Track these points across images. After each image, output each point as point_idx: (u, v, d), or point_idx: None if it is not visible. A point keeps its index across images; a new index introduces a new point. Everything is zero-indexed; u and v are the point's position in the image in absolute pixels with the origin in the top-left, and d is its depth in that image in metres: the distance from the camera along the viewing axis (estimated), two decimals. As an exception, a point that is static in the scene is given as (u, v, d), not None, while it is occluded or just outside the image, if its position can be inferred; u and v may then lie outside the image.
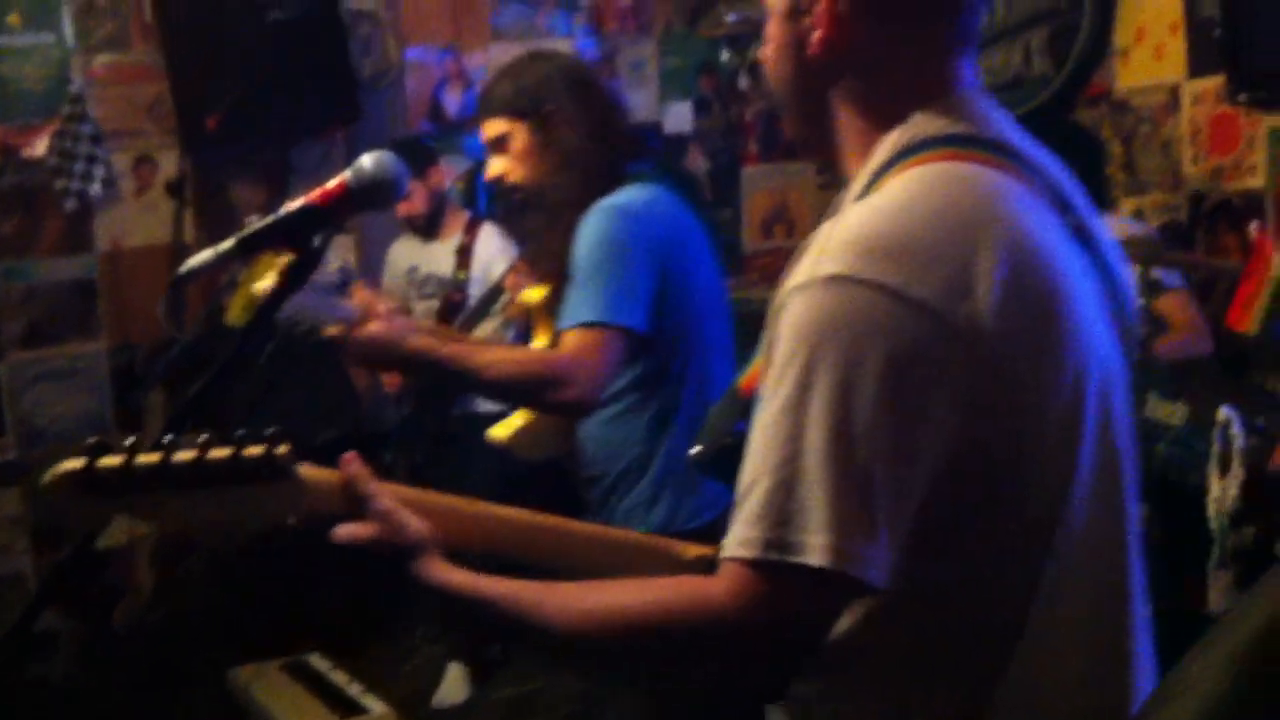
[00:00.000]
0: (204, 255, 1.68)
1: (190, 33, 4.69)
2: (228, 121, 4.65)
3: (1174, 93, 4.19)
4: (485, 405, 4.29)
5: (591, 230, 2.50)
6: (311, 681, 3.40)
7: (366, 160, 1.75)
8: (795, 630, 1.21)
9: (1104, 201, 4.10)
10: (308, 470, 1.36)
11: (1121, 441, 1.32)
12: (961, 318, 1.17)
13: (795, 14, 1.37)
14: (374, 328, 2.40)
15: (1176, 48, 4.15)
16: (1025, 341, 1.21)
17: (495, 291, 4.26)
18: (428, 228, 4.56)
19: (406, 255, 4.65)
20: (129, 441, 1.28)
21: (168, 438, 1.28)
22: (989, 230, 1.21)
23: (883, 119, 1.34)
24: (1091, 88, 4.42)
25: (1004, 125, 1.36)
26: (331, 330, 2.44)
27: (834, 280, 1.18)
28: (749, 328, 4.83)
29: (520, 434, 2.68)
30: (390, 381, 4.58)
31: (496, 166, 2.65)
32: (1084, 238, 1.34)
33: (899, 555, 1.18)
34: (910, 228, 1.21)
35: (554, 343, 2.55)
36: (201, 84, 4.70)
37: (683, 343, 2.58)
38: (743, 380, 1.44)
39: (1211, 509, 2.49)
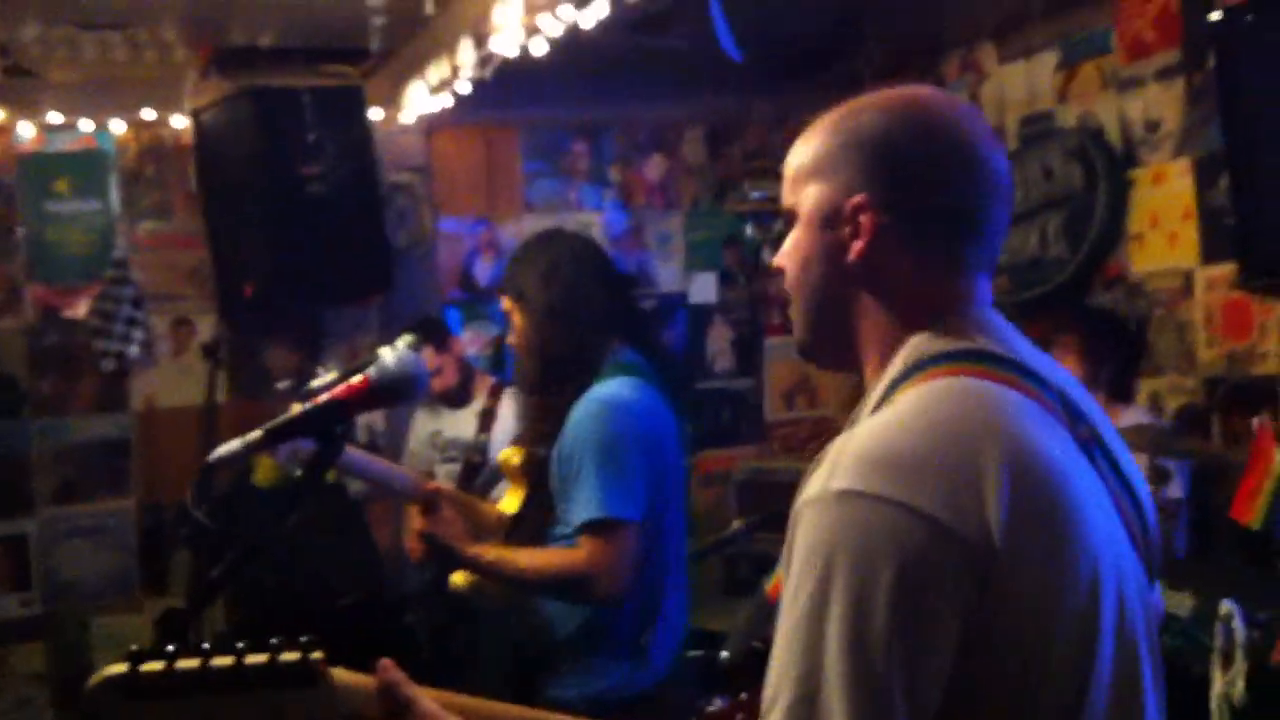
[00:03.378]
0: (233, 445, 1.76)
1: (231, 202, 4.84)
2: (264, 287, 4.76)
3: (1187, 278, 4.27)
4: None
5: (589, 423, 2.77)
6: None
7: (389, 359, 1.83)
8: None
9: (1131, 389, 4.15)
10: (341, 675, 1.39)
11: (1140, 649, 1.33)
12: (969, 530, 1.20)
13: (830, 223, 1.42)
14: (442, 528, 2.81)
15: (1189, 234, 4.24)
16: (1034, 552, 1.23)
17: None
18: (460, 398, 4.63)
19: (430, 420, 4.72)
20: (170, 649, 1.33)
21: (205, 645, 1.34)
22: (995, 445, 1.24)
23: (903, 330, 1.40)
24: (1107, 271, 4.51)
25: (1014, 341, 1.40)
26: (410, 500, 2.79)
27: (845, 495, 1.22)
28: (770, 497, 4.83)
29: (478, 583, 2.96)
30: (413, 547, 4.62)
31: (509, 338, 2.99)
32: (1096, 447, 1.37)
33: None
34: (917, 443, 1.24)
35: (528, 510, 2.93)
36: (240, 251, 4.84)
37: (650, 528, 2.82)
38: (769, 587, 1.46)
39: (1214, 702, 2.48)
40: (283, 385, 4.89)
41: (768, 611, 1.40)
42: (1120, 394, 3.96)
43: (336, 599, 4.80)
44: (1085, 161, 4.57)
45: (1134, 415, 3.81)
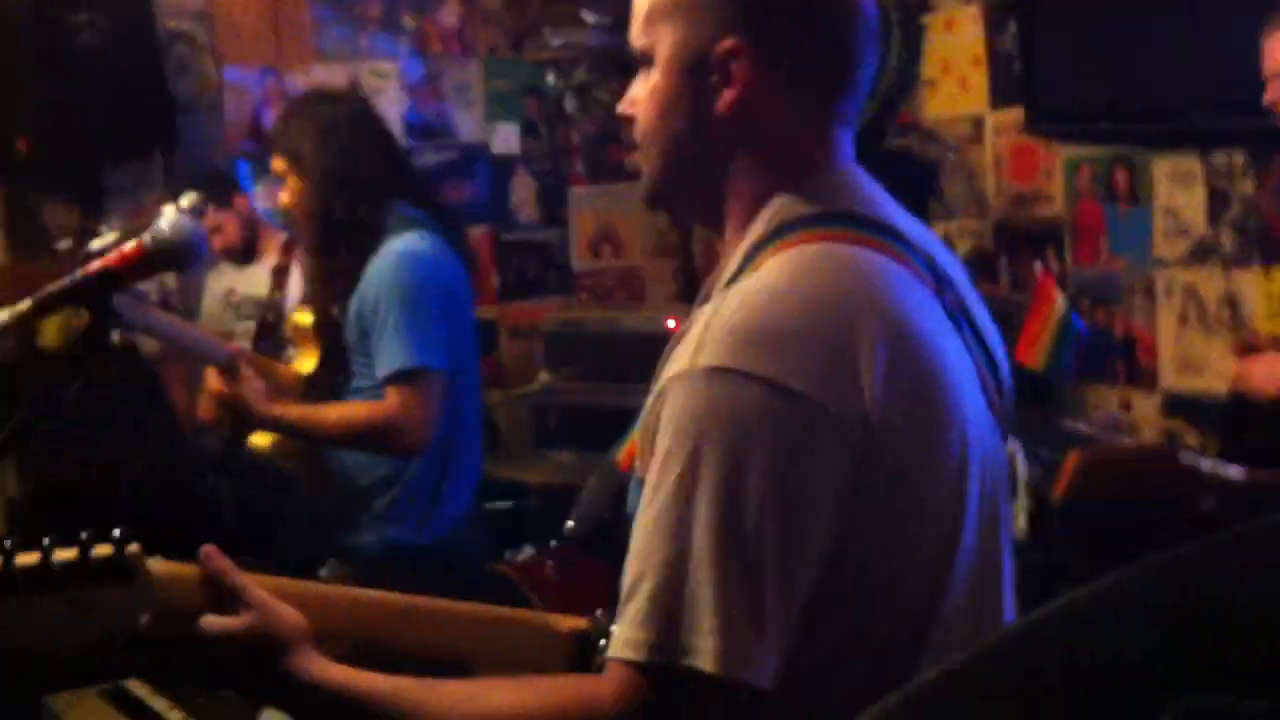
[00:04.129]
0: (1, 316, 1.68)
1: (-2, 52, 4.56)
2: (40, 143, 4.53)
3: (978, 123, 4.36)
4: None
5: (390, 276, 2.79)
6: (131, 708, 3.32)
7: (164, 224, 1.76)
8: None
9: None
10: (160, 565, 1.31)
11: (1000, 514, 1.33)
12: (843, 407, 1.16)
13: (695, 69, 1.32)
14: (242, 390, 2.79)
15: (979, 80, 4.32)
16: (907, 425, 1.20)
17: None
18: (244, 255, 4.53)
19: (224, 278, 4.61)
20: None
21: (6, 542, 1.24)
22: (867, 317, 1.20)
23: (768, 187, 1.32)
24: (901, 117, 4.57)
25: (881, 201, 1.35)
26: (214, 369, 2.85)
27: (714, 372, 1.17)
28: (578, 348, 4.85)
29: (277, 444, 3.04)
30: (207, 410, 4.52)
31: (281, 197, 2.99)
32: (961, 313, 1.34)
33: (783, 649, 1.16)
34: (789, 317, 1.19)
35: (324, 371, 2.93)
36: (12, 105, 4.57)
37: (450, 377, 2.87)
38: (620, 455, 1.40)
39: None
40: (63, 245, 4.68)
41: (617, 481, 1.37)
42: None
43: (137, 463, 4.68)
44: (880, 7, 4.60)
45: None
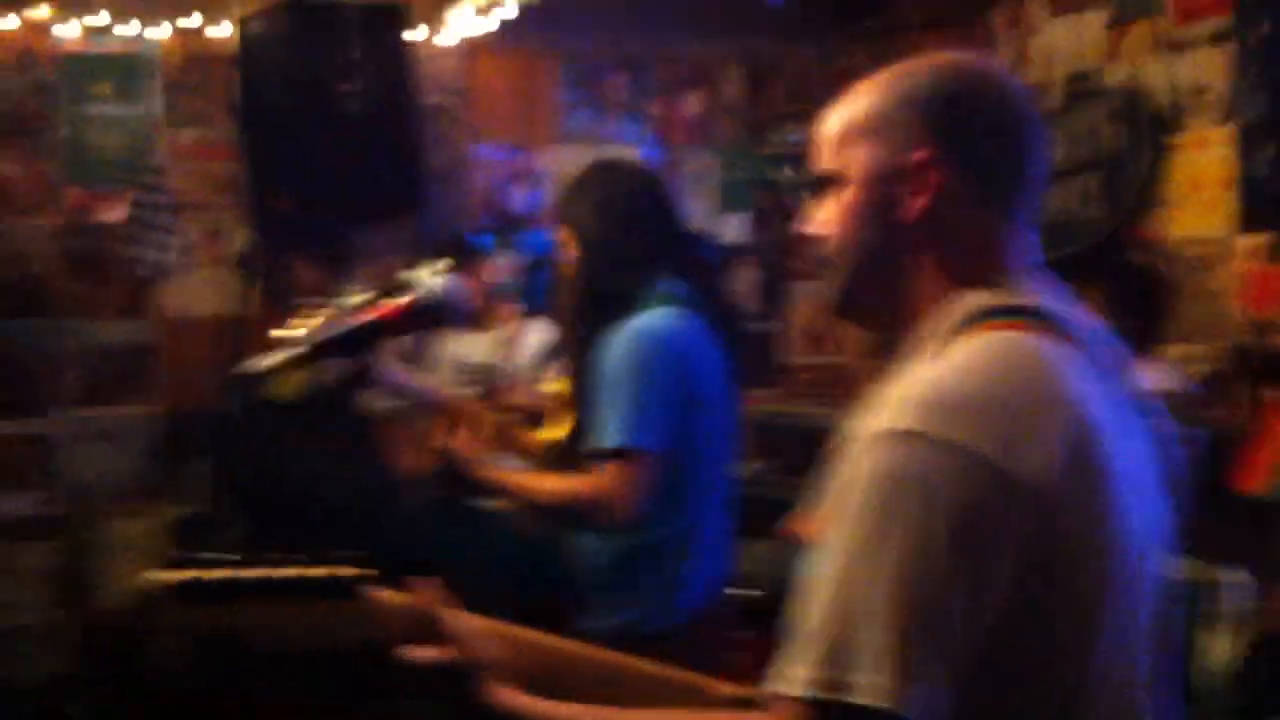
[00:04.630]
0: (277, 357, 1.79)
1: (268, 113, 4.84)
2: (297, 201, 4.78)
3: (1223, 246, 4.24)
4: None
5: (618, 352, 2.76)
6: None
7: (434, 282, 1.84)
8: None
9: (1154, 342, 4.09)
10: (382, 592, 1.45)
11: (1175, 611, 1.37)
12: (1023, 475, 1.22)
13: (888, 182, 1.40)
14: (467, 450, 2.88)
15: (1228, 202, 4.21)
16: (1081, 503, 1.25)
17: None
18: (476, 321, 4.67)
19: (456, 343, 4.76)
20: (236, 556, 1.36)
21: (271, 556, 1.37)
22: (1052, 397, 1.27)
23: (956, 286, 1.39)
24: (1143, 234, 4.48)
25: (1063, 301, 1.41)
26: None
27: (905, 435, 1.22)
28: (786, 440, 4.81)
29: (519, 508, 3.04)
30: (424, 461, 4.64)
31: (563, 266, 2.94)
32: (1134, 408, 1.39)
33: (950, 701, 1.20)
34: (976, 389, 1.26)
35: (573, 441, 2.90)
36: (275, 163, 4.84)
37: (687, 456, 2.80)
38: (799, 525, 1.48)
39: (1212, 667, 2.48)
40: (309, 301, 4.92)
41: (797, 548, 1.42)
42: (1142, 351, 3.91)
43: (353, 513, 4.84)
44: (1129, 123, 4.53)
45: (1163, 377, 3.77)
